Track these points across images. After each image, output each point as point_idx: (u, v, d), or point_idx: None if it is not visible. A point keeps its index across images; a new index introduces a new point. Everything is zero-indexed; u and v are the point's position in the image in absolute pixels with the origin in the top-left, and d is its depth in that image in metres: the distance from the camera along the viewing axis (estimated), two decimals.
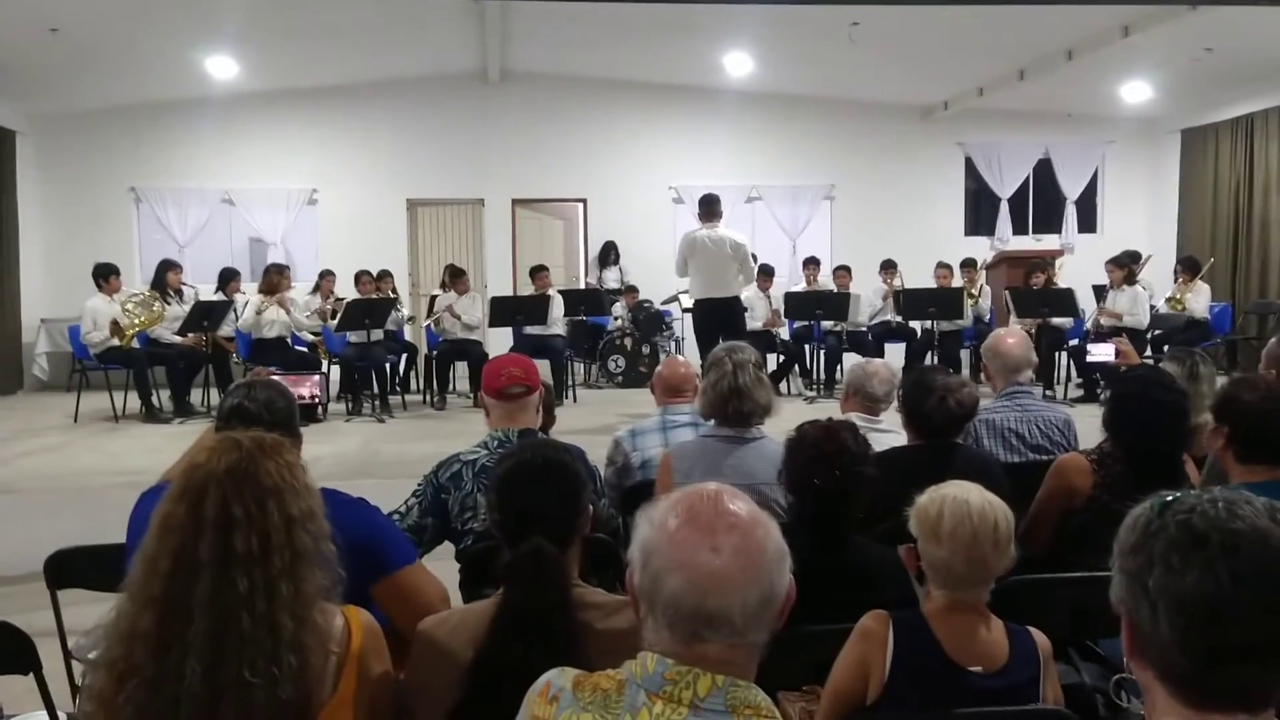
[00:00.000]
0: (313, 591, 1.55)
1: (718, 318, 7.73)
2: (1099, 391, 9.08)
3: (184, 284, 10.01)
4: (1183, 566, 1.08)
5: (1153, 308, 9.96)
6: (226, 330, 9.48)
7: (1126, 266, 9.78)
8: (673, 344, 11.43)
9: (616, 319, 11.68)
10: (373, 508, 2.41)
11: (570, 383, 10.27)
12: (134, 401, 8.99)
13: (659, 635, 1.28)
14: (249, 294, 9.63)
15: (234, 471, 1.53)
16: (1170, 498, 1.15)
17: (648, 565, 1.29)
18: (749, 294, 9.87)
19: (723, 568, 1.25)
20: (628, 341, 11.32)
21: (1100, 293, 10.34)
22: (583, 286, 12.51)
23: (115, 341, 8.95)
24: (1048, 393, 9.28)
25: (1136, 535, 1.14)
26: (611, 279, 12.59)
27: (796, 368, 10.94)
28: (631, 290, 12.09)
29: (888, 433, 3.56)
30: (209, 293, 9.91)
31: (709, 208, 8.04)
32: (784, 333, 10.93)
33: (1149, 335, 9.71)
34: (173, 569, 1.49)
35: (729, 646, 1.25)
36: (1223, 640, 1.07)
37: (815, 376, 10.56)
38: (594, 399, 10.23)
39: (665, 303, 11.66)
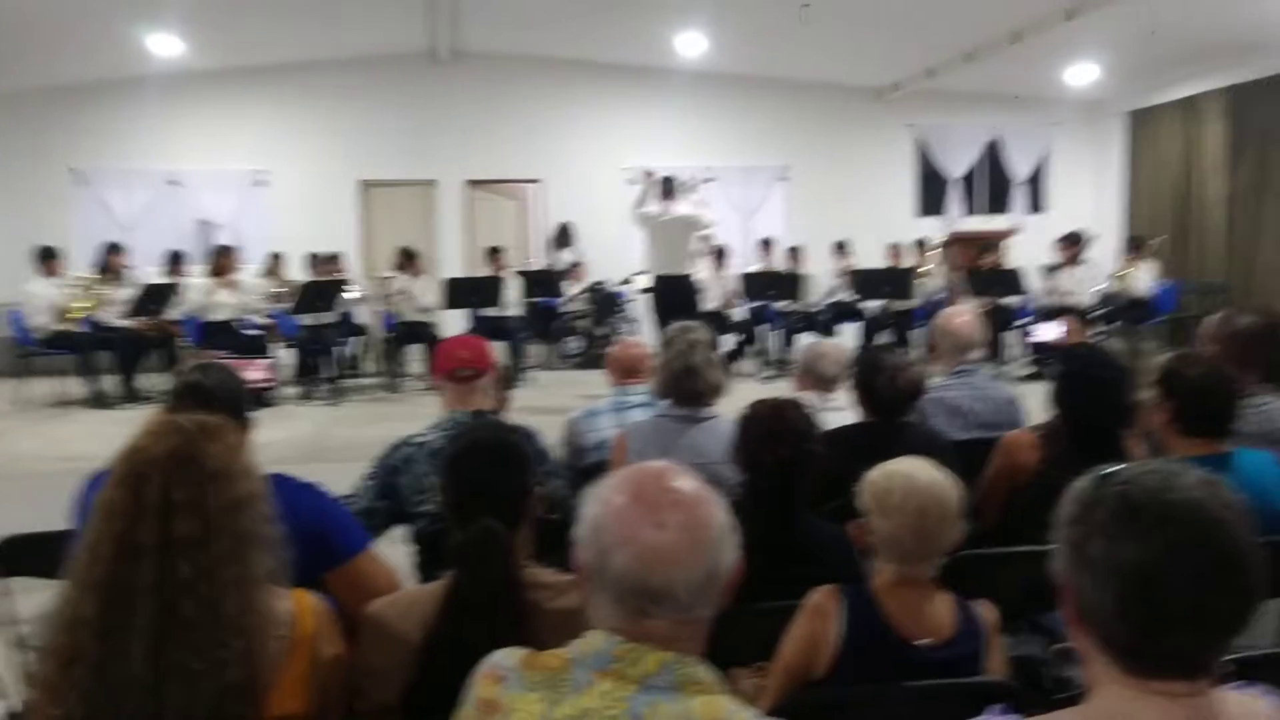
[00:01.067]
0: (258, 575, 1.54)
1: (674, 296, 7.77)
2: (1046, 370, 9.22)
3: (128, 266, 9.82)
4: (1120, 535, 1.11)
5: (1099, 286, 10.12)
6: (174, 314, 9.32)
7: (1074, 246, 9.93)
8: (627, 325, 11.42)
9: (567, 298, 11.63)
10: (323, 493, 2.39)
11: (526, 364, 10.24)
12: (80, 387, 8.82)
13: (605, 612, 1.29)
14: (196, 277, 9.48)
15: (175, 455, 1.51)
16: (1109, 470, 1.17)
17: (594, 542, 1.30)
18: (704, 275, 9.90)
19: (668, 543, 1.25)
20: (583, 322, 11.29)
21: (1048, 271, 10.50)
22: (537, 268, 12.46)
23: (59, 326, 8.77)
24: (999, 370, 9.40)
25: (1077, 507, 1.17)
26: (566, 260, 12.54)
27: (751, 348, 11.01)
28: (577, 265, 12.05)
29: (840, 411, 3.59)
30: (154, 275, 9.74)
31: (663, 186, 8.11)
32: (739, 313, 10.98)
33: (1095, 313, 9.87)
34: (115, 554, 1.47)
35: (675, 623, 1.26)
36: (1160, 608, 1.09)
37: (770, 357, 10.61)
38: (550, 380, 10.22)
39: (621, 284, 11.64)
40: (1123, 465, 1.18)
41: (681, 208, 8.13)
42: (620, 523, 1.28)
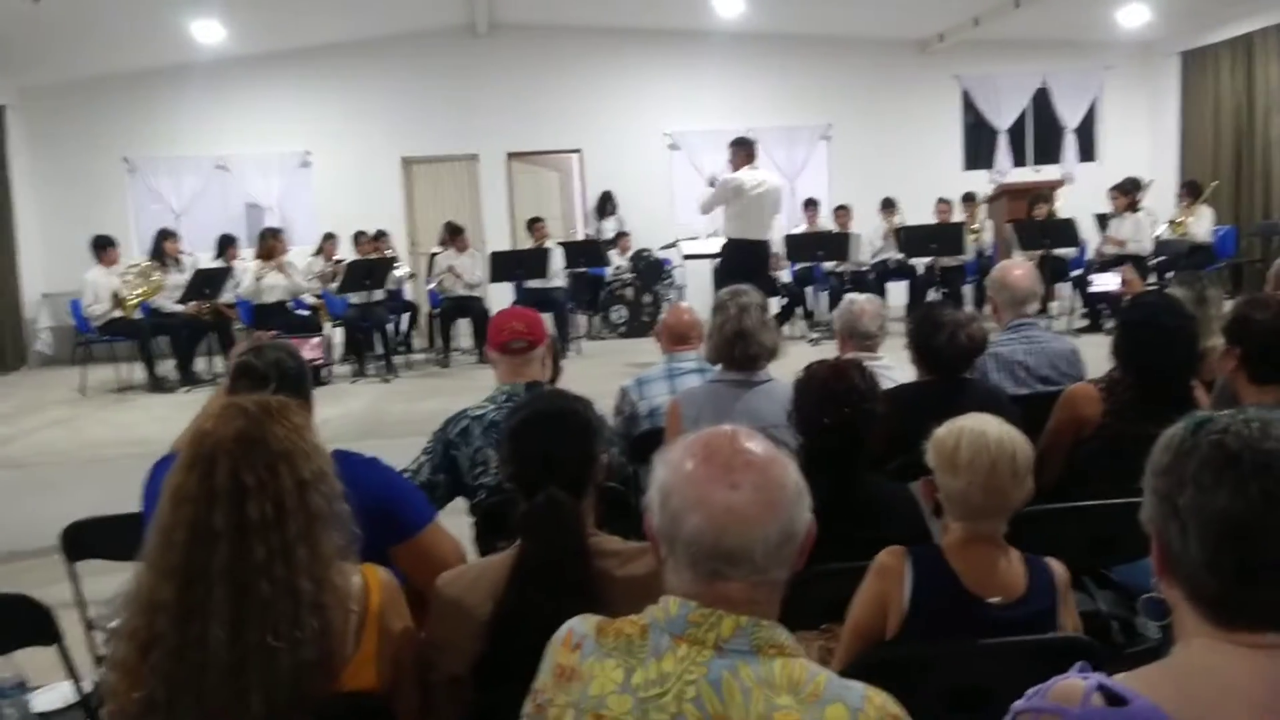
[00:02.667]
0: (330, 553, 1.55)
1: (747, 260, 7.62)
2: (1103, 321, 9.05)
3: (182, 252, 9.97)
4: (1214, 485, 1.08)
5: (1156, 234, 9.89)
6: (227, 297, 9.46)
7: (1129, 193, 9.70)
8: (674, 292, 11.38)
9: (615, 268, 11.63)
10: (387, 467, 2.41)
11: (573, 335, 10.27)
12: (139, 372, 9.00)
13: (680, 577, 1.28)
14: (247, 260, 9.60)
15: (242, 438, 1.52)
16: (1204, 417, 1.14)
17: (666, 506, 1.29)
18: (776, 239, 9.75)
19: (741, 503, 1.24)
20: (629, 291, 11.28)
21: (1103, 221, 10.28)
22: (581, 238, 12.45)
23: (117, 313, 8.94)
24: (1052, 322, 9.25)
25: (1170, 456, 1.14)
26: (610, 229, 12.51)
27: (800, 310, 10.92)
28: (623, 235, 12.03)
29: (889, 369, 3.54)
30: (207, 260, 9.88)
31: (748, 149, 7.85)
32: (785, 275, 10.89)
33: (1153, 262, 9.66)
34: (189, 539, 1.49)
35: (751, 585, 1.25)
36: (1252, 559, 1.06)
37: (817, 318, 10.53)
38: (598, 350, 10.23)
39: (664, 248, 11.59)
40: (1218, 413, 1.15)
41: (766, 173, 7.97)
42: (692, 485, 1.27)
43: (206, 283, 9.15)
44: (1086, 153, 13.54)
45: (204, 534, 1.48)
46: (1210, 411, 1.16)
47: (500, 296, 10.16)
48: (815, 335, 10.11)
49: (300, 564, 1.51)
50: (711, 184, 8.37)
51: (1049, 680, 1.19)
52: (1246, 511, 1.06)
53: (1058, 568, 1.98)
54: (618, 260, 11.73)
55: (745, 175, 7.66)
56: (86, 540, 2.86)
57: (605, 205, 12.72)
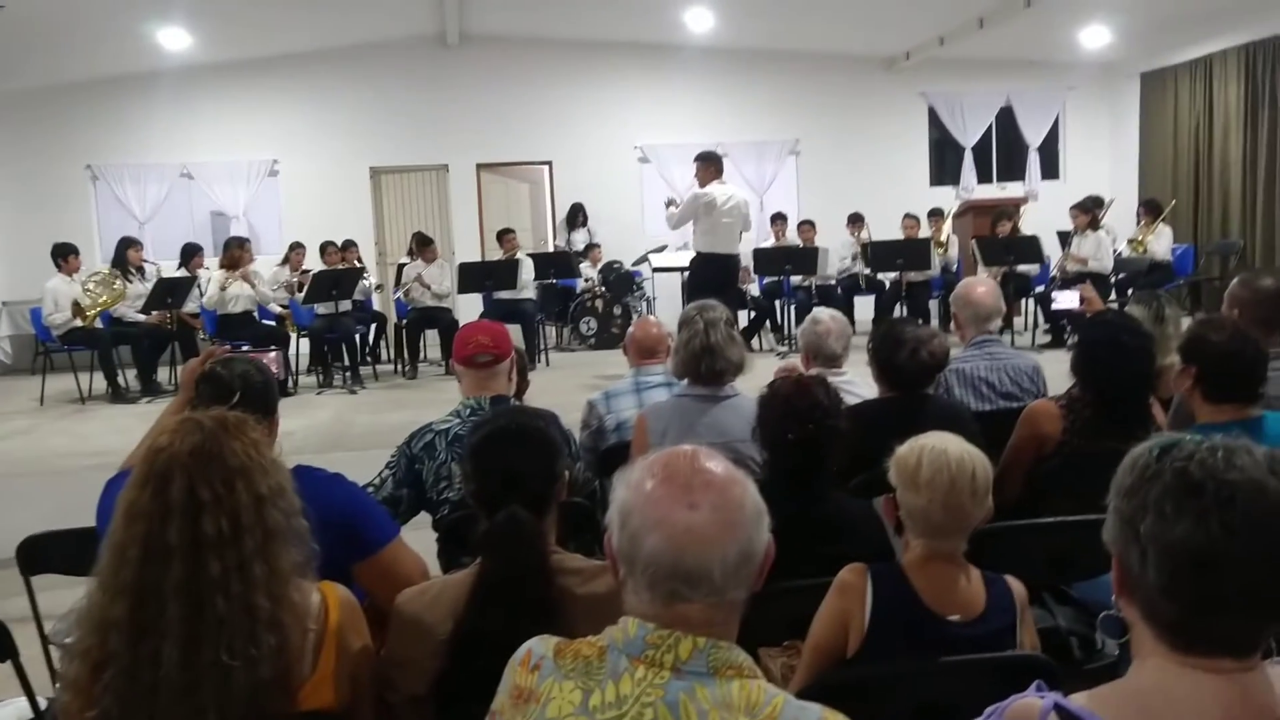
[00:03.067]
0: (287, 569, 1.54)
1: (717, 274, 7.65)
2: (1066, 337, 9.16)
3: (145, 261, 9.85)
4: (1175, 515, 1.08)
5: (1116, 252, 10.04)
6: (191, 307, 9.36)
7: (1090, 211, 9.83)
8: (644, 304, 11.40)
9: (586, 280, 11.64)
10: (350, 484, 2.39)
11: (542, 346, 10.25)
12: (100, 382, 8.88)
13: (639, 597, 1.28)
14: (212, 269, 9.50)
15: (198, 453, 1.50)
16: (1170, 441, 1.14)
17: (626, 525, 1.28)
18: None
19: (700, 523, 1.24)
20: (599, 303, 11.29)
21: (1065, 238, 10.40)
22: (551, 249, 12.45)
23: (78, 322, 8.82)
24: (1015, 339, 9.35)
25: (1133, 478, 1.14)
26: (580, 241, 12.52)
27: (767, 323, 10.98)
28: (593, 247, 12.05)
29: (852, 384, 3.56)
30: (171, 269, 9.77)
31: (717, 164, 7.88)
32: (754, 289, 10.95)
33: (1113, 279, 9.79)
34: (143, 556, 1.46)
35: (709, 606, 1.25)
36: (1210, 590, 1.07)
37: (786, 332, 10.59)
38: (567, 362, 10.22)
39: (636, 263, 11.62)
40: (1184, 436, 1.15)
41: (734, 188, 8.00)
42: (652, 505, 1.27)
43: (170, 292, 9.05)
44: (1049, 170, 13.74)
45: (158, 550, 1.46)
46: (1176, 434, 1.17)
47: (469, 307, 10.13)
48: (783, 349, 10.15)
49: (257, 580, 1.49)
50: (670, 205, 8.37)
51: (1006, 699, 1.20)
52: (1206, 543, 1.06)
53: (1016, 586, 2.00)
54: (588, 272, 11.74)
55: (716, 190, 7.69)
56: (43, 554, 2.81)
57: (575, 217, 12.73)
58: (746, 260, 10.69)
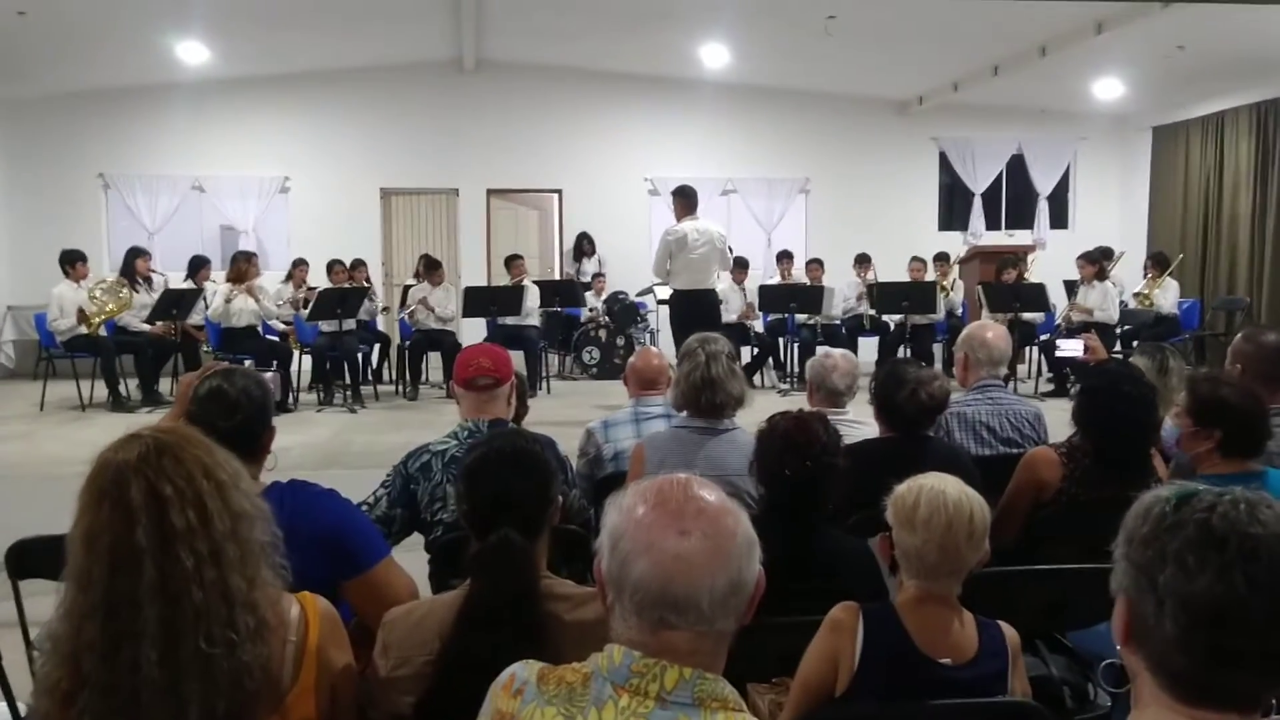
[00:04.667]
0: (258, 549, 1.52)
1: (698, 310, 7.68)
2: (1069, 386, 9.15)
3: (153, 271, 9.89)
4: (1198, 568, 1.06)
5: (1122, 304, 10.05)
6: (196, 319, 9.38)
7: (1098, 262, 9.85)
8: (648, 336, 11.41)
9: (590, 310, 11.66)
10: (344, 500, 2.38)
11: (544, 374, 10.25)
12: (101, 390, 8.88)
13: (626, 624, 1.26)
14: (218, 282, 9.52)
15: (147, 456, 1.48)
16: (1188, 492, 1.12)
17: (615, 550, 1.27)
18: (724, 287, 9.86)
19: (690, 551, 1.23)
20: (602, 333, 11.29)
21: (1071, 288, 10.42)
22: (558, 277, 12.47)
23: (82, 329, 8.84)
24: (1019, 385, 9.33)
25: (1149, 527, 1.12)
26: (587, 270, 12.55)
27: (770, 360, 10.97)
28: (599, 277, 12.08)
29: (855, 425, 3.56)
30: (178, 281, 9.80)
31: (690, 200, 7.93)
32: (758, 325, 10.95)
33: (1118, 331, 9.79)
34: (110, 570, 1.44)
35: (696, 635, 1.24)
36: (1226, 644, 1.06)
37: (789, 369, 10.58)
38: (568, 390, 10.21)
39: (640, 294, 11.64)
40: (1202, 488, 1.13)
41: (708, 222, 8.04)
42: (642, 530, 1.26)
43: (175, 303, 9.07)
44: (1058, 220, 13.77)
45: (126, 558, 1.43)
46: (1190, 484, 1.15)
47: (473, 332, 10.14)
48: (785, 386, 10.15)
49: (230, 562, 1.47)
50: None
51: None
52: (1227, 597, 1.05)
53: (1009, 631, 1.98)
54: (593, 301, 11.76)
55: (687, 226, 7.74)
56: (31, 559, 2.79)
57: (582, 246, 12.76)
58: (752, 297, 10.74)
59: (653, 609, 1.24)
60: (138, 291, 9.37)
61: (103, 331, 8.98)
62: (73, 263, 9.09)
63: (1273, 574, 1.04)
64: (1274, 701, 1.12)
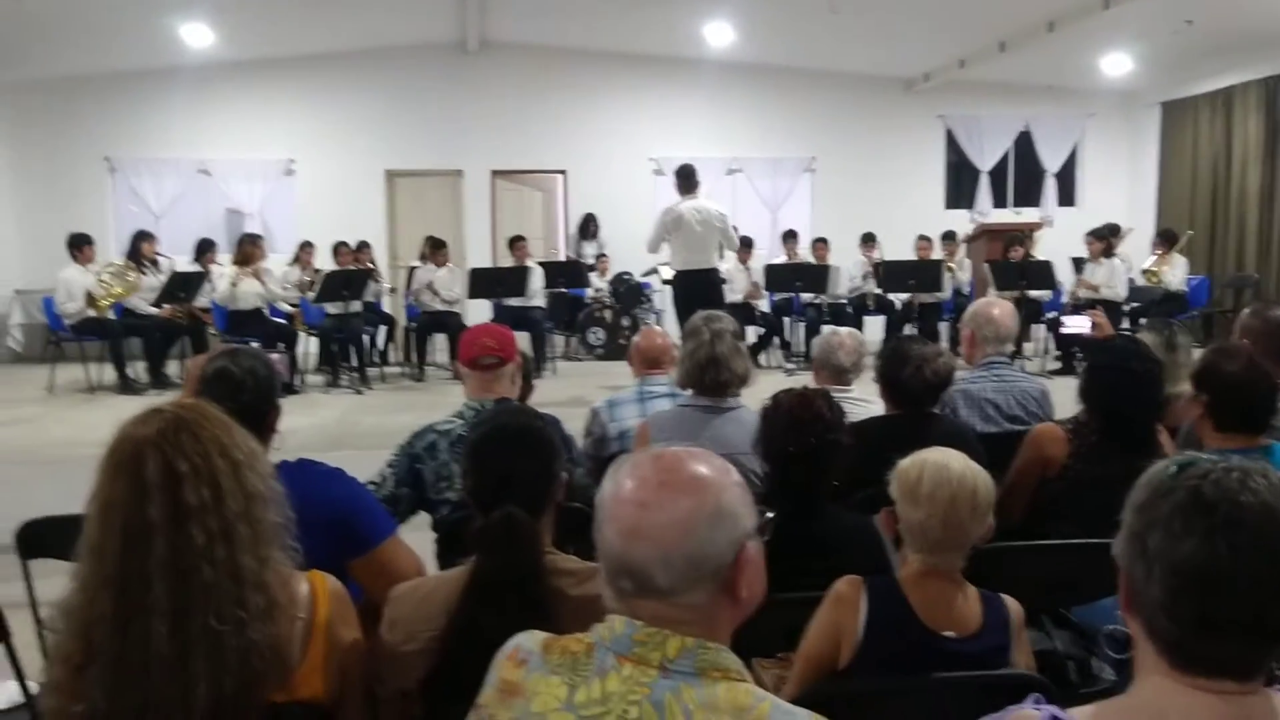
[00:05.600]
0: (270, 530, 1.54)
1: (699, 289, 7.68)
2: (1075, 364, 9.13)
3: (159, 254, 9.91)
4: (1183, 532, 1.07)
5: (1130, 281, 10.01)
6: (203, 301, 9.40)
7: (1105, 239, 9.81)
8: (653, 316, 11.40)
9: (595, 290, 11.65)
10: (351, 479, 2.39)
11: (550, 355, 10.26)
12: (109, 373, 8.91)
13: (606, 592, 1.30)
14: (225, 265, 9.54)
15: (167, 430, 1.49)
16: (1189, 459, 1.13)
17: (598, 516, 1.30)
18: (729, 266, 9.85)
19: (645, 523, 1.24)
20: (607, 314, 11.29)
21: (1079, 265, 10.38)
22: (562, 258, 12.47)
23: (90, 313, 8.87)
24: (1025, 363, 9.32)
25: (1147, 494, 1.13)
26: (591, 251, 12.54)
27: (776, 340, 10.96)
28: (602, 258, 12.07)
29: (860, 402, 3.55)
30: (185, 264, 9.83)
31: (689, 180, 7.92)
32: (764, 305, 10.94)
33: (1126, 308, 9.76)
34: (123, 543, 1.45)
35: (663, 605, 1.24)
36: (1211, 610, 1.06)
37: (794, 349, 10.57)
38: (573, 371, 10.22)
39: (645, 275, 11.63)
40: (1203, 456, 1.13)
41: (706, 201, 8.02)
42: (615, 500, 1.28)
43: (182, 286, 9.09)
44: (1066, 197, 13.71)
45: (138, 532, 1.45)
46: (1196, 454, 1.15)
47: (478, 313, 10.15)
48: (791, 365, 10.14)
49: (242, 541, 1.48)
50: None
51: (1004, 710, 1.19)
52: (1211, 563, 1.05)
53: (1013, 605, 1.99)
54: (597, 282, 11.76)
55: (685, 206, 7.72)
56: (41, 539, 2.81)
57: (587, 227, 12.75)
58: (757, 276, 10.73)
59: (615, 577, 1.27)
60: (144, 274, 9.38)
61: (110, 315, 9.01)
62: (80, 246, 9.12)
63: (1257, 541, 1.04)
64: (1275, 670, 1.12)
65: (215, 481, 1.49)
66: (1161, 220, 12.42)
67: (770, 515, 1.37)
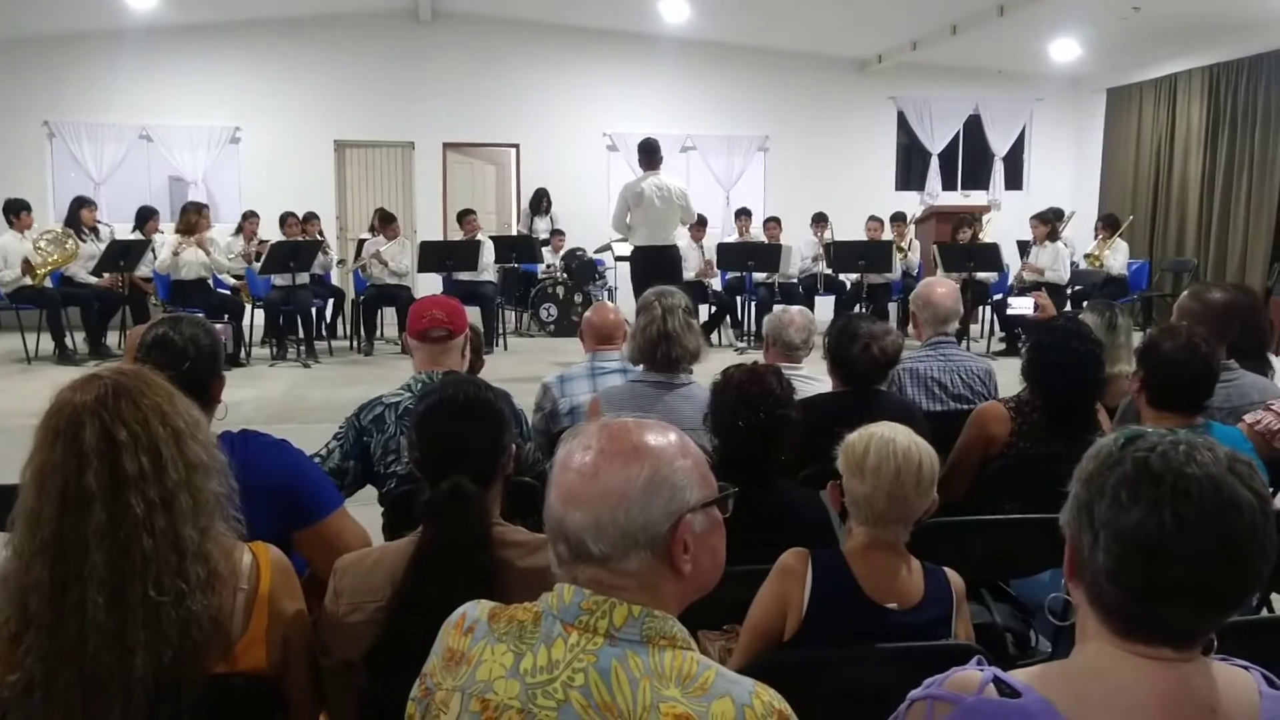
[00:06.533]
0: (212, 501, 1.52)
1: (659, 266, 7.66)
2: (1019, 345, 9.27)
3: (99, 222, 9.69)
4: (1130, 502, 1.10)
5: (1073, 264, 10.18)
6: (144, 271, 9.21)
7: (1050, 223, 9.96)
8: (605, 293, 11.37)
9: (547, 266, 11.60)
10: (295, 450, 2.36)
11: (501, 330, 10.21)
12: (47, 343, 8.71)
13: (552, 559, 1.31)
14: (167, 234, 9.35)
15: (105, 398, 1.46)
16: (1136, 432, 1.16)
17: (548, 482, 1.32)
18: (683, 244, 9.84)
19: (582, 491, 1.26)
20: (560, 290, 11.25)
21: (1024, 248, 10.53)
22: (514, 233, 12.39)
23: (27, 280, 8.65)
24: (971, 343, 9.45)
25: (1095, 465, 1.15)
26: (543, 227, 12.47)
27: (728, 319, 11.00)
28: (558, 234, 12.01)
29: (809, 380, 3.59)
30: (126, 232, 9.61)
31: (652, 155, 7.87)
32: (716, 283, 10.96)
33: (1069, 291, 9.93)
34: (59, 510, 1.42)
35: (603, 571, 1.26)
36: (1155, 579, 1.08)
37: (746, 327, 10.62)
38: (525, 347, 10.18)
39: (598, 251, 11.59)
40: (1150, 429, 1.16)
41: (668, 178, 8.00)
42: (560, 466, 1.30)
43: (123, 255, 8.90)
44: (1013, 181, 13.90)
45: (76, 500, 1.42)
46: (1143, 427, 1.18)
47: (428, 287, 10.04)
48: (742, 344, 10.19)
49: (182, 511, 1.46)
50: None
51: (948, 670, 1.22)
52: (1157, 533, 1.08)
53: (955, 578, 2.02)
54: (550, 258, 11.70)
55: (647, 183, 7.71)
56: None
57: (540, 202, 12.67)
58: (710, 254, 10.75)
59: (554, 542, 1.29)
60: (84, 242, 9.17)
61: (48, 283, 8.80)
62: (17, 212, 8.88)
63: (1201, 512, 1.07)
64: (1212, 639, 1.16)
65: (155, 450, 1.46)
66: (1104, 205, 12.64)
67: (734, 491, 1.38)
